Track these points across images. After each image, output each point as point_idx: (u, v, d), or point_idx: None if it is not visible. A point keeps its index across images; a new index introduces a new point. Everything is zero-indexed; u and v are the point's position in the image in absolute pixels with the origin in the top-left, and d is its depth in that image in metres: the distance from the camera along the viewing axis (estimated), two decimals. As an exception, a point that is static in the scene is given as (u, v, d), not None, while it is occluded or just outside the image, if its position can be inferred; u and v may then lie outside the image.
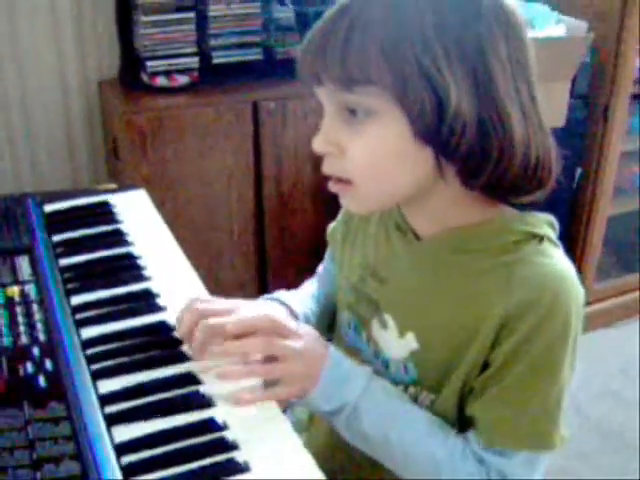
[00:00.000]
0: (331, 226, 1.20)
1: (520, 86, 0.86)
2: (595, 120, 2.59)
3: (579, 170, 2.67)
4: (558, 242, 0.95)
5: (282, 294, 1.15)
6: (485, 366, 0.93)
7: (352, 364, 0.98)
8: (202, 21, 2.38)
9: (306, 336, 0.96)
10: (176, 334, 1.04)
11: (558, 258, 0.93)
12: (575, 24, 2.38)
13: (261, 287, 2.60)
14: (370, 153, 0.87)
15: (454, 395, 0.96)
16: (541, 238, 0.93)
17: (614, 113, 2.55)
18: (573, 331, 0.90)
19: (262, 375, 0.94)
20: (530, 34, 0.90)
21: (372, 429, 0.94)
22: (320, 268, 1.26)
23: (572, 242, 2.73)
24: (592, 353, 2.68)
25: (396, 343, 1.00)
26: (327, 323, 1.20)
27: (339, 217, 1.18)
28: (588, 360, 2.62)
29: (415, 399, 1.00)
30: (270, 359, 0.94)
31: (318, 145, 0.90)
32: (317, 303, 1.19)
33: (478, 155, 0.84)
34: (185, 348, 1.02)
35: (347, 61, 0.83)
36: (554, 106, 2.35)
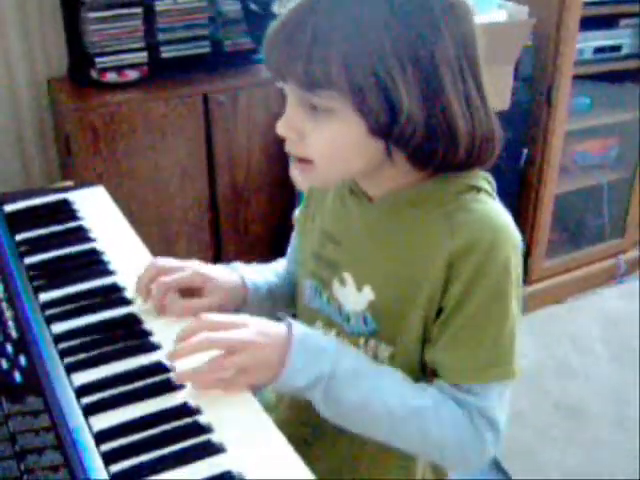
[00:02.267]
0: (297, 210, 1.26)
1: (467, 79, 0.93)
2: (539, 102, 2.66)
3: (525, 151, 2.73)
4: (494, 194, 1.03)
5: (239, 265, 1.23)
6: (439, 312, 0.99)
7: (317, 334, 1.03)
8: (149, 16, 2.40)
9: (253, 322, 0.98)
10: (145, 326, 1.09)
11: (494, 205, 1.01)
12: (516, 9, 2.44)
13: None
14: (328, 143, 0.95)
15: (415, 344, 1.02)
16: (479, 189, 1.01)
17: (557, 94, 2.62)
18: (514, 266, 0.97)
19: (229, 369, 0.95)
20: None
21: (351, 394, 0.96)
22: (289, 248, 1.31)
23: (522, 221, 2.79)
24: (544, 329, 2.76)
25: (355, 297, 1.06)
26: (289, 297, 1.26)
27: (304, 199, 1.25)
28: (540, 335, 2.71)
29: (375, 352, 1.05)
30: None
31: (281, 129, 0.97)
32: (278, 277, 1.26)
33: (425, 148, 0.93)
34: (155, 339, 1.06)
35: (309, 67, 0.89)
36: (498, 89, 2.40)
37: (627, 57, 2.87)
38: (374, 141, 0.93)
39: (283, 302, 1.26)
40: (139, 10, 2.37)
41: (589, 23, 2.66)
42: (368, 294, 1.04)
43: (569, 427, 2.33)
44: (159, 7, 2.40)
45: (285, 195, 2.60)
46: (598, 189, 2.99)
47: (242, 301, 1.17)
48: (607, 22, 2.80)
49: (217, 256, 2.61)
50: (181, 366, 0.97)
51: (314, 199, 1.19)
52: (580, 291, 3.06)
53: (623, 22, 2.82)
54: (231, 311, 1.14)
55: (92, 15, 2.30)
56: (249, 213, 2.62)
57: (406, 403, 0.97)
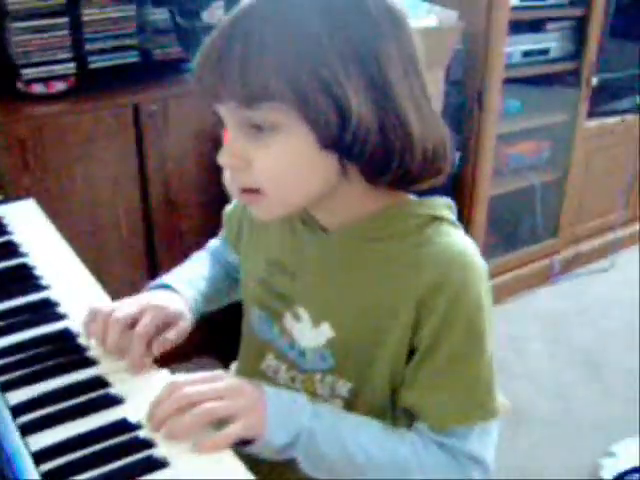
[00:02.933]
0: (228, 208, 1.22)
1: (413, 82, 0.89)
2: (470, 105, 2.69)
3: (458, 154, 2.75)
4: (457, 223, 1.00)
5: (171, 279, 1.15)
6: (411, 353, 0.95)
7: (288, 391, 0.97)
8: (76, 26, 2.34)
9: (227, 376, 0.93)
10: (81, 340, 1.04)
11: (459, 236, 0.97)
12: (445, 13, 2.45)
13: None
14: (277, 165, 0.88)
15: (384, 384, 0.98)
16: (441, 220, 0.97)
17: (488, 98, 2.65)
18: (486, 299, 0.94)
19: (208, 417, 0.87)
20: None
21: (332, 448, 0.92)
22: (212, 243, 1.28)
23: (457, 225, 2.80)
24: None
25: (311, 333, 1.01)
26: (221, 303, 1.23)
27: (237, 204, 1.19)
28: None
29: (332, 388, 1.01)
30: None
31: (224, 159, 0.91)
32: (210, 284, 1.20)
33: (381, 156, 0.87)
34: (92, 353, 1.02)
35: (246, 79, 0.83)
36: (430, 93, 2.41)
37: (554, 60, 2.92)
38: (326, 155, 0.87)
39: (215, 304, 1.23)
40: (66, 20, 2.31)
41: (517, 27, 2.70)
42: (326, 331, 0.99)
43: (510, 427, 2.34)
44: (86, 17, 2.34)
45: (219, 204, 2.55)
46: (531, 191, 3.03)
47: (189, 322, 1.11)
48: (534, 26, 2.85)
49: (152, 267, 2.56)
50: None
51: (253, 222, 1.12)
52: (516, 292, 3.09)
53: (549, 26, 2.87)
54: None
55: (17, 25, 2.24)
56: (183, 223, 2.57)
57: (387, 452, 0.94)
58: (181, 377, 0.91)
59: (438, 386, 0.94)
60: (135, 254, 2.52)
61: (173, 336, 1.04)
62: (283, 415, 0.90)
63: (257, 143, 0.88)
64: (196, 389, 0.88)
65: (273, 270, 1.06)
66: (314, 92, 0.83)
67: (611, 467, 2.15)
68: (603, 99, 3.10)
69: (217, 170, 2.47)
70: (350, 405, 1.01)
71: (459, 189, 2.80)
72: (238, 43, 0.83)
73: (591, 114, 3.06)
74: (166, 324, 1.05)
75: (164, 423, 0.87)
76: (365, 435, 0.95)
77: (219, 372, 0.93)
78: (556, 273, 3.19)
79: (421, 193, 1.00)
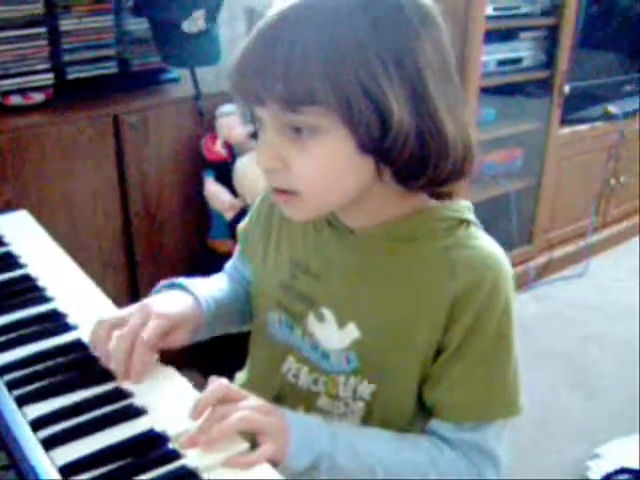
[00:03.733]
0: (241, 226, 1.21)
1: (446, 84, 0.90)
2: (448, 114, 2.69)
3: (435, 162, 2.75)
4: (479, 224, 1.02)
5: (188, 281, 1.13)
6: (438, 352, 0.97)
7: (304, 414, 0.99)
8: (54, 36, 2.32)
9: (253, 396, 0.92)
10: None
11: (487, 239, 0.99)
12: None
13: (133, 303, 2.54)
14: (316, 169, 0.89)
15: (407, 384, 0.99)
16: (468, 223, 0.99)
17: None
18: (512, 302, 0.97)
19: (245, 424, 0.87)
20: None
21: (352, 466, 0.92)
22: (228, 265, 1.26)
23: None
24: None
25: (336, 335, 1.01)
26: (235, 315, 1.20)
27: (251, 216, 1.19)
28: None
29: (355, 390, 1.02)
30: None
31: (263, 161, 0.91)
32: (225, 296, 1.18)
33: (417, 160, 0.88)
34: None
35: (290, 84, 0.83)
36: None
37: (527, 69, 2.96)
38: (364, 159, 0.88)
39: (231, 323, 1.21)
40: (43, 30, 2.28)
41: (491, 36, 2.72)
42: (352, 332, 1.00)
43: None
44: (64, 27, 2.31)
45: (199, 217, 2.55)
46: (506, 198, 3.06)
47: (199, 323, 1.10)
48: (507, 35, 2.88)
49: (132, 280, 2.54)
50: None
51: (275, 225, 1.12)
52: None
53: (523, 35, 2.90)
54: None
55: (-7, 36, 2.21)
56: (163, 236, 2.55)
57: (405, 462, 0.96)
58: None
59: (465, 383, 0.96)
60: (115, 267, 2.50)
61: (173, 343, 1.04)
62: (304, 439, 0.90)
63: (296, 146, 0.88)
64: (253, 417, 0.88)
65: (297, 272, 1.06)
66: (356, 97, 0.83)
67: (598, 468, 2.17)
68: (574, 107, 3.14)
69: (197, 183, 2.48)
70: (371, 407, 1.02)
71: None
72: (281, 47, 0.84)
73: (563, 122, 3.10)
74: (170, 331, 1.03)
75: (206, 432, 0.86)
76: (382, 448, 0.96)
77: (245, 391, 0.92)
78: (531, 279, 3.21)
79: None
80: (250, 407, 0.88)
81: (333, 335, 1.02)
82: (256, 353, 1.18)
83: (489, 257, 0.96)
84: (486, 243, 0.98)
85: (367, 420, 1.03)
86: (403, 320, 0.97)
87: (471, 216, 1.01)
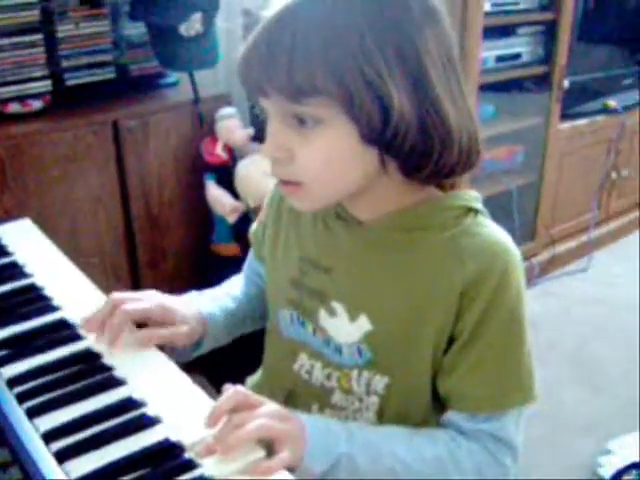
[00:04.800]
0: (253, 227, 1.21)
1: (450, 76, 0.91)
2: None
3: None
4: (488, 214, 1.02)
5: (195, 294, 1.19)
6: (450, 342, 0.97)
7: (321, 417, 1.00)
8: (51, 43, 2.31)
9: (267, 401, 0.92)
10: (106, 360, 1.02)
11: (495, 227, 0.99)
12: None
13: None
14: (320, 159, 0.90)
15: (421, 375, 0.99)
16: (476, 211, 0.99)
17: (465, 103, 2.64)
18: (523, 289, 0.97)
19: (263, 432, 0.86)
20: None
21: (371, 466, 0.93)
22: (245, 265, 1.27)
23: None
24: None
25: (348, 328, 1.01)
26: (248, 321, 1.23)
27: (261, 217, 1.19)
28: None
29: (369, 383, 1.02)
30: None
31: (267, 152, 0.92)
32: (235, 301, 1.21)
33: (420, 151, 0.89)
34: (119, 373, 0.99)
35: (293, 74, 0.85)
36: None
37: (526, 65, 2.95)
38: (367, 150, 0.89)
39: (240, 328, 1.22)
40: (40, 36, 2.27)
41: (489, 32, 2.71)
42: (364, 324, 1.00)
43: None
44: (61, 33, 2.30)
45: (201, 221, 2.54)
46: (507, 195, 3.04)
47: (203, 332, 1.13)
48: (505, 31, 2.87)
49: (136, 286, 2.52)
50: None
51: (283, 224, 1.12)
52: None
53: (520, 30, 2.89)
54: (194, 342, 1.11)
55: (-10, 43, 2.20)
56: (166, 242, 2.54)
57: (424, 458, 0.95)
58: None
59: (481, 371, 0.96)
60: (119, 273, 2.49)
61: (166, 333, 1.07)
62: (322, 443, 0.91)
63: (301, 137, 0.90)
64: (271, 425, 0.87)
65: (306, 267, 1.06)
66: (358, 88, 0.84)
67: (609, 464, 2.16)
68: (574, 102, 3.13)
69: (198, 187, 2.47)
70: (385, 402, 1.02)
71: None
72: (285, 39, 0.85)
73: (563, 117, 3.09)
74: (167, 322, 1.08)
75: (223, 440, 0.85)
76: (399, 445, 0.96)
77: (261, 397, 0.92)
78: (535, 275, 3.20)
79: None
80: (267, 414, 0.87)
81: (345, 328, 1.02)
82: (269, 351, 1.18)
83: (497, 244, 0.96)
84: (494, 230, 0.98)
85: (382, 416, 1.03)
86: (414, 310, 0.97)
87: (479, 205, 1.01)
